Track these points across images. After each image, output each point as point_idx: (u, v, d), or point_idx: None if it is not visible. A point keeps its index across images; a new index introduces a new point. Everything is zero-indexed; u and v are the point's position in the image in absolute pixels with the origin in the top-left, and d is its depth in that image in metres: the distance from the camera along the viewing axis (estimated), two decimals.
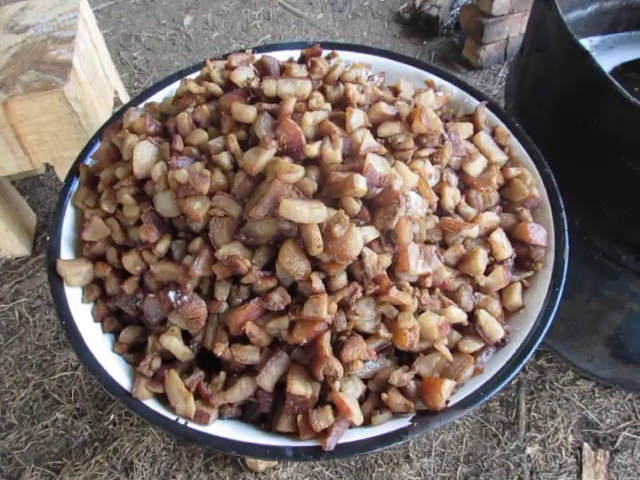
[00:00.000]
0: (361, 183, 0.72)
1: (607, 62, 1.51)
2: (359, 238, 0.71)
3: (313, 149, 0.76)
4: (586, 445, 1.19)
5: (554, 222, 0.87)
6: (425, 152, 0.84)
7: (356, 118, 0.79)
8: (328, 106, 0.82)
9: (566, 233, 0.85)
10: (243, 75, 0.87)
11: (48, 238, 0.84)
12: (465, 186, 0.89)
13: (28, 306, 1.42)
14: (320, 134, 0.79)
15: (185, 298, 0.73)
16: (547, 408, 1.23)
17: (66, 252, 0.84)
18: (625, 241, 1.08)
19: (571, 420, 1.22)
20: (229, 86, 0.88)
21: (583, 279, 1.17)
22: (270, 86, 0.82)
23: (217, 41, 2.10)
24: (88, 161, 0.94)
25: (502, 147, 0.96)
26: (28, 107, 1.23)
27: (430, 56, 2.03)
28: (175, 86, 1.01)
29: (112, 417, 1.22)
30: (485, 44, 1.92)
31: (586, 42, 1.52)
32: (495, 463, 1.16)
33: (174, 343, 0.73)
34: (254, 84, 0.83)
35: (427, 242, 0.81)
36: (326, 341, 0.71)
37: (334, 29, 2.13)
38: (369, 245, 0.73)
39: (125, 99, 1.65)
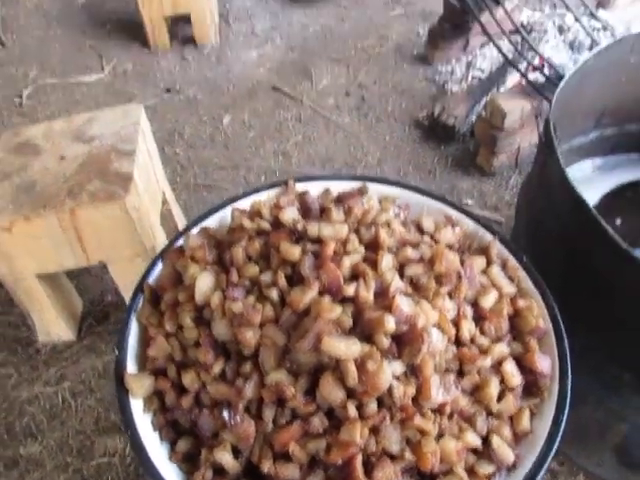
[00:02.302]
0: (391, 323, 0.85)
1: (608, 182, 1.67)
2: (388, 373, 0.83)
3: (350, 290, 0.89)
4: None
5: (558, 352, 0.99)
6: (445, 289, 0.97)
7: (386, 262, 0.93)
8: (362, 249, 0.96)
9: (569, 363, 0.97)
10: (289, 215, 1.01)
11: (116, 351, 0.97)
12: (479, 317, 1.01)
13: (71, 390, 1.53)
14: (355, 274, 0.93)
15: (237, 418, 0.85)
16: None
17: (130, 364, 0.96)
18: (624, 361, 1.19)
19: None
20: (276, 222, 1.03)
21: (588, 392, 1.27)
22: (313, 229, 0.97)
23: (253, 140, 2.29)
24: (151, 279, 1.08)
25: (511, 279, 1.08)
26: (92, 214, 1.39)
27: (447, 161, 2.20)
28: (227, 211, 1.16)
29: None
30: (497, 153, 2.08)
31: (589, 163, 1.69)
32: None
33: (225, 457, 0.85)
34: (299, 226, 0.98)
35: (446, 371, 0.93)
36: (359, 462, 0.82)
37: (359, 132, 2.32)
38: (396, 377, 0.85)
39: (170, 197, 1.81)
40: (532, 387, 0.97)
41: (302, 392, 0.86)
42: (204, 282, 0.95)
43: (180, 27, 2.90)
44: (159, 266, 1.09)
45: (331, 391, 0.83)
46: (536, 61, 2.23)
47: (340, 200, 1.10)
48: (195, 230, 1.13)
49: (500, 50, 2.28)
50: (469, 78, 2.53)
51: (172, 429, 0.93)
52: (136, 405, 0.92)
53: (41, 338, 1.63)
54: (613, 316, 1.13)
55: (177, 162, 2.20)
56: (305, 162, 2.19)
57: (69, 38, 2.92)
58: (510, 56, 2.31)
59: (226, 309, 0.91)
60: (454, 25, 2.53)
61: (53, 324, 1.61)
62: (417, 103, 2.45)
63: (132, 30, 2.90)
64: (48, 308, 1.57)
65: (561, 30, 2.56)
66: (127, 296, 1.56)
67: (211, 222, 1.16)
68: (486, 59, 2.58)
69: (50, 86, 2.61)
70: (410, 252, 0.96)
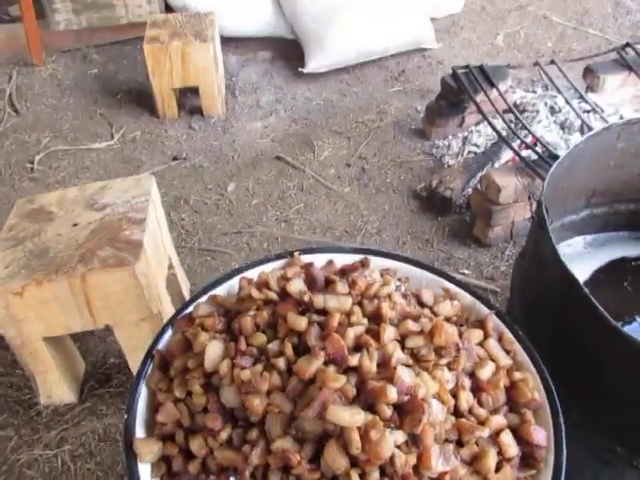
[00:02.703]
0: (392, 393, 0.89)
1: (599, 258, 1.73)
2: (391, 442, 0.86)
3: (354, 360, 0.93)
4: None
5: (553, 424, 1.02)
6: (444, 361, 1.01)
7: (388, 334, 0.98)
8: (365, 320, 1.01)
9: (563, 436, 1.00)
10: (296, 287, 1.07)
11: (125, 416, 1.00)
12: (477, 388, 1.05)
13: (71, 454, 1.54)
14: (359, 345, 0.97)
15: None
16: None
17: (139, 429, 0.99)
18: (616, 434, 1.22)
19: None
20: (284, 293, 1.08)
21: (583, 466, 1.30)
22: (319, 301, 1.02)
23: (256, 207, 2.37)
24: (160, 346, 1.12)
25: (507, 352, 1.13)
26: (102, 279, 1.44)
27: (444, 231, 2.27)
28: (234, 280, 1.21)
29: None
30: (493, 226, 2.16)
31: (581, 240, 1.76)
32: None
33: None
34: (306, 298, 1.03)
35: (446, 440, 0.96)
36: None
37: (359, 202, 2.40)
38: (398, 446, 0.89)
39: (175, 262, 1.87)
40: (528, 458, 1.00)
41: (307, 459, 0.89)
42: (213, 350, 1.00)
43: (188, 98, 3.03)
44: (168, 333, 1.14)
45: (335, 459, 0.87)
46: (529, 139, 2.34)
47: (344, 273, 1.15)
48: (204, 298, 1.19)
49: (494, 128, 2.41)
50: (465, 153, 2.64)
51: None
52: (144, 470, 0.95)
53: (43, 400, 1.64)
54: (603, 389, 1.17)
55: (182, 227, 2.27)
56: (306, 229, 2.26)
57: (81, 106, 3.04)
58: (504, 134, 2.43)
59: (234, 376, 0.95)
60: (450, 103, 2.66)
61: (56, 386, 1.63)
62: (415, 175, 2.55)
63: (142, 100, 3.03)
64: (52, 370, 1.59)
65: (552, 111, 2.69)
66: (131, 359, 1.59)
67: (219, 291, 1.21)
68: (481, 135, 2.70)
69: (61, 152, 2.71)
70: (411, 325, 1.01)
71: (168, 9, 3.43)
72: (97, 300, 1.47)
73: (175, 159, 2.67)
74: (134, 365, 1.56)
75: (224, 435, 0.93)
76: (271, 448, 0.89)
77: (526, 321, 1.41)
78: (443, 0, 3.70)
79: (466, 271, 2.11)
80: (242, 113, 3.00)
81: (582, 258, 1.71)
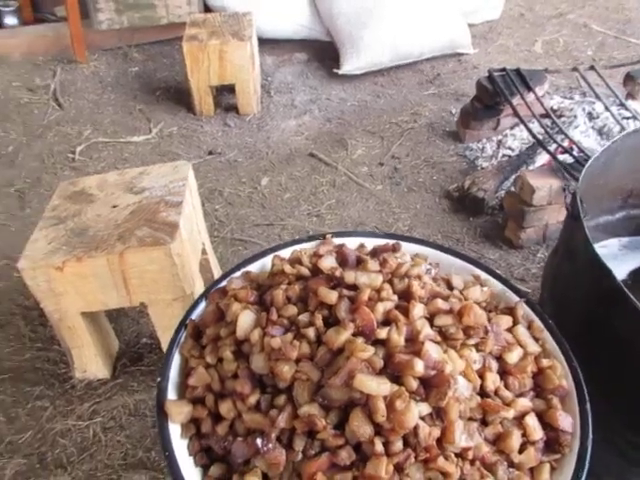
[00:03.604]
0: (419, 366, 0.90)
1: (635, 260, 1.72)
2: (415, 412, 0.88)
3: (382, 333, 0.95)
4: None
5: (580, 412, 1.02)
6: (472, 341, 1.02)
7: (417, 310, 0.99)
8: (395, 297, 1.03)
9: (590, 423, 1.00)
10: (328, 263, 1.09)
11: (158, 379, 1.03)
12: (504, 371, 1.06)
13: (102, 426, 1.58)
14: (388, 320, 0.99)
15: (270, 446, 0.90)
16: None
17: (171, 393, 1.03)
18: None
19: None
20: (316, 270, 1.10)
21: (610, 464, 1.29)
22: (350, 276, 1.04)
23: (288, 201, 2.41)
24: (194, 316, 1.15)
25: (536, 339, 1.13)
26: (139, 258, 1.48)
27: (475, 231, 2.27)
28: (267, 259, 1.24)
29: None
30: (526, 228, 2.15)
31: (616, 241, 1.74)
32: None
33: None
34: (337, 273, 1.05)
35: (470, 419, 0.97)
36: None
37: (391, 200, 2.42)
38: (422, 418, 0.90)
39: (209, 249, 1.91)
40: (554, 443, 1.00)
41: (332, 426, 0.91)
42: (245, 319, 1.03)
43: (224, 96, 3.10)
44: (201, 306, 1.17)
45: (360, 426, 0.88)
46: (565, 144, 2.33)
47: (375, 253, 1.17)
48: (237, 274, 1.22)
49: (531, 132, 2.40)
50: (499, 156, 2.64)
51: (206, 455, 0.98)
52: (174, 430, 0.98)
53: (78, 374, 1.69)
54: (633, 383, 1.16)
55: (216, 218, 2.32)
56: (337, 224, 2.29)
57: (121, 102, 3.13)
58: (540, 137, 2.42)
59: (265, 345, 0.97)
60: (486, 106, 2.66)
61: (90, 362, 1.67)
62: (448, 176, 2.56)
63: (180, 97, 3.11)
64: (88, 346, 1.64)
65: (590, 117, 2.68)
66: (163, 338, 1.63)
67: (252, 268, 1.24)
68: (516, 139, 2.69)
69: (101, 144, 2.80)
70: (440, 303, 1.02)
71: (207, 10, 3.51)
72: (133, 278, 1.52)
73: (210, 153, 2.73)
74: (165, 343, 1.60)
75: (252, 399, 0.95)
76: (298, 413, 0.91)
77: (556, 316, 1.41)
78: (480, 6, 3.71)
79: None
80: (277, 112, 3.05)
81: (616, 260, 1.70)
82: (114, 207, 1.64)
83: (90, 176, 1.83)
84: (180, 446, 0.97)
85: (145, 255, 1.48)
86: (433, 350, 0.94)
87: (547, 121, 2.50)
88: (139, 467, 1.49)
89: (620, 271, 1.63)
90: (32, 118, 2.99)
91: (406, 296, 1.04)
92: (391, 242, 1.24)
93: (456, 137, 2.80)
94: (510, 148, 2.65)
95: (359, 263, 1.11)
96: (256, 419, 0.94)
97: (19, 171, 2.60)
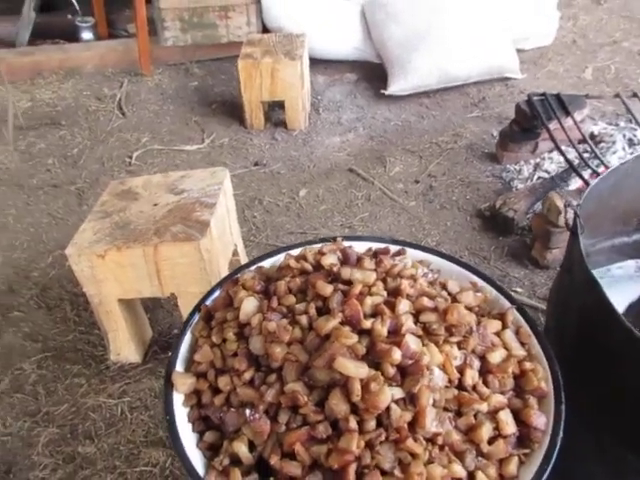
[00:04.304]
0: (397, 354, 0.99)
1: None
2: (388, 395, 0.96)
3: (367, 323, 1.05)
4: None
5: (554, 412, 1.08)
6: (454, 339, 1.10)
7: (403, 306, 1.08)
8: (384, 293, 1.12)
9: (562, 423, 1.05)
10: (329, 260, 1.19)
11: (170, 354, 1.16)
12: (486, 370, 1.13)
13: (129, 405, 1.73)
14: (376, 313, 1.08)
15: (256, 416, 1.00)
16: None
17: (179, 366, 1.15)
18: (628, 442, 1.24)
19: None
20: (318, 266, 1.21)
21: (596, 475, 1.32)
22: (346, 272, 1.14)
23: (323, 212, 2.52)
24: (208, 302, 1.27)
25: (523, 344, 1.19)
26: (172, 251, 1.63)
27: (503, 250, 2.32)
28: (280, 257, 1.36)
29: None
30: (551, 248, 2.19)
31: (632, 263, 1.77)
32: None
33: (242, 449, 1.00)
34: (335, 269, 1.16)
35: (445, 409, 1.04)
36: (352, 470, 0.95)
37: (422, 216, 2.50)
38: (396, 402, 0.98)
39: (241, 251, 2.05)
40: (525, 439, 1.06)
41: (314, 403, 1.00)
42: (249, 305, 1.14)
43: (275, 111, 3.26)
44: (216, 293, 1.29)
45: (338, 404, 0.98)
46: (601, 169, 2.35)
47: (376, 255, 1.27)
48: (252, 267, 1.34)
49: (564, 155, 2.44)
50: (535, 178, 2.67)
51: (203, 423, 1.09)
52: (178, 399, 1.10)
53: (112, 357, 1.85)
54: (620, 395, 1.20)
55: (253, 224, 2.46)
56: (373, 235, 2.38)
57: (179, 113, 3.35)
58: (576, 162, 2.45)
59: (263, 328, 1.08)
60: (524, 129, 2.71)
61: (124, 346, 1.83)
62: (481, 196, 2.61)
63: (233, 111, 3.29)
64: (123, 330, 1.79)
65: (631, 143, 2.69)
66: None
67: (266, 263, 1.36)
68: (553, 162, 2.72)
69: (157, 151, 3.01)
70: (426, 301, 1.11)
71: (265, 30, 3.71)
72: (166, 269, 1.66)
73: (256, 164, 2.88)
74: None
75: (247, 376, 1.06)
76: (284, 389, 1.01)
77: (557, 327, 1.46)
78: (532, 32, 3.75)
79: (519, 289, 2.15)
80: (323, 128, 3.19)
81: (632, 281, 1.72)
82: (155, 205, 1.80)
83: (138, 177, 2.01)
84: (181, 413, 1.09)
85: (177, 249, 1.63)
86: (412, 342, 1.03)
87: (586, 146, 2.53)
88: (158, 445, 1.62)
89: (634, 292, 1.66)
90: (97, 124, 3.24)
91: (396, 294, 1.13)
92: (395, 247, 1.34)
93: (494, 159, 2.85)
94: (547, 171, 2.68)
95: (358, 262, 1.21)
96: (248, 393, 1.05)
97: (81, 172, 2.83)
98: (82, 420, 1.69)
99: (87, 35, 4.11)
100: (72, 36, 4.05)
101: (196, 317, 1.24)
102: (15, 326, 1.99)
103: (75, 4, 4.02)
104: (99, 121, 3.27)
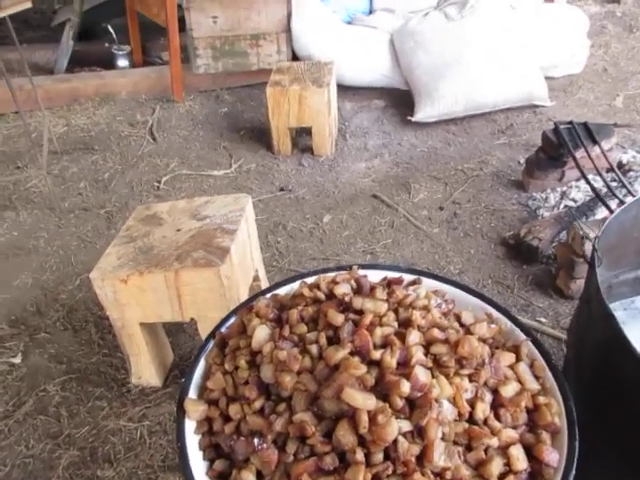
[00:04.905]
0: (405, 386, 0.99)
1: None
2: (395, 427, 0.96)
3: (377, 354, 1.05)
4: None
5: (568, 448, 1.05)
6: (465, 371, 1.09)
7: (413, 337, 1.08)
8: (395, 324, 1.12)
9: (575, 460, 1.03)
10: (341, 289, 1.20)
11: (183, 380, 1.18)
12: (498, 404, 1.11)
13: (149, 429, 1.75)
14: (385, 343, 1.08)
15: (264, 445, 1.01)
16: None
17: (192, 392, 1.16)
18: None
19: None
20: (331, 294, 1.22)
21: None
22: (357, 302, 1.15)
23: (346, 238, 2.54)
24: (223, 329, 1.29)
25: (537, 377, 1.18)
26: (192, 276, 1.66)
27: (527, 279, 2.29)
28: (296, 284, 1.37)
29: None
30: (576, 278, 2.15)
31: None
32: None
33: (250, 478, 1.00)
34: (347, 298, 1.16)
35: (455, 443, 1.03)
36: None
37: (446, 243, 2.49)
38: (404, 435, 0.98)
39: (263, 276, 2.07)
40: (537, 476, 1.04)
41: (322, 434, 1.01)
42: (261, 333, 1.16)
43: (303, 137, 3.31)
44: (231, 320, 1.31)
45: (345, 435, 0.98)
46: (628, 198, 2.32)
47: (389, 284, 1.27)
48: (268, 295, 1.35)
49: (590, 185, 2.41)
50: (561, 207, 2.64)
51: (214, 450, 1.10)
52: (190, 425, 1.11)
53: (134, 380, 1.88)
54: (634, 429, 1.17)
55: (277, 249, 2.48)
56: (390, 263, 2.38)
57: (208, 139, 3.42)
58: (603, 191, 2.42)
59: (273, 356, 1.09)
60: (550, 157, 2.69)
61: (145, 369, 1.86)
62: (506, 224, 2.59)
63: (261, 137, 3.35)
64: (144, 354, 1.82)
65: None
66: None
67: (282, 290, 1.38)
68: (580, 191, 2.69)
69: (185, 176, 3.07)
70: (436, 333, 1.11)
71: (295, 58, 3.78)
72: (186, 294, 1.69)
73: (281, 190, 2.92)
74: None
75: (257, 404, 1.07)
76: (292, 419, 1.02)
77: (576, 358, 1.44)
78: (563, 61, 3.74)
79: (543, 319, 2.12)
80: (349, 154, 3.22)
81: None
82: (178, 230, 1.84)
83: (163, 202, 2.05)
84: (192, 440, 1.10)
85: (197, 274, 1.65)
86: (422, 374, 1.02)
87: (614, 175, 2.50)
88: (175, 470, 1.63)
89: None
90: (129, 149, 3.33)
91: (407, 324, 1.13)
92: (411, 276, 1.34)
93: (520, 186, 2.83)
94: (573, 200, 2.65)
95: (371, 291, 1.22)
96: (257, 422, 1.05)
97: (111, 195, 2.91)
98: (102, 443, 1.71)
99: (123, 62, 4.25)
100: (108, 63, 4.20)
101: (211, 344, 1.26)
102: (42, 347, 2.04)
103: (112, 33, 4.17)
104: (130, 146, 3.37)
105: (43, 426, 1.78)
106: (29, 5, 2.47)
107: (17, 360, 2.01)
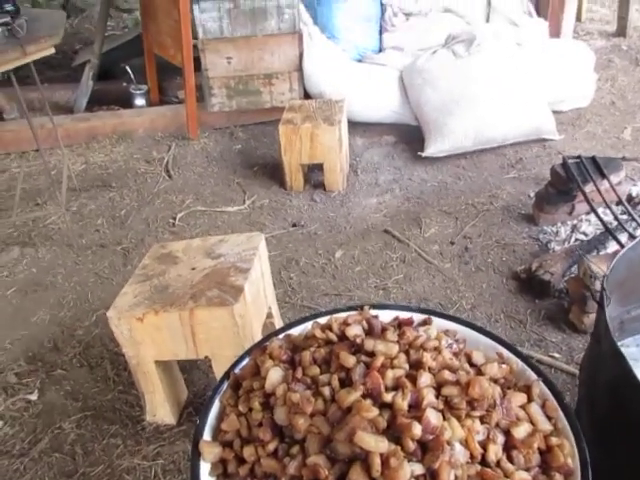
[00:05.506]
0: (417, 429, 1.01)
1: None
2: (407, 470, 0.97)
3: (388, 397, 1.07)
4: None
5: None
6: (476, 413, 1.10)
7: (424, 379, 1.10)
8: (406, 365, 1.14)
9: None
10: (353, 331, 1.22)
11: (197, 421, 1.20)
12: (510, 445, 1.12)
13: (163, 468, 1.76)
14: (397, 386, 1.10)
15: None
16: None
17: (207, 433, 1.18)
18: None
19: None
20: (343, 336, 1.24)
21: None
22: (369, 344, 1.17)
23: (358, 274, 2.56)
24: (237, 369, 1.31)
25: (550, 418, 1.18)
26: (206, 315, 1.69)
27: (539, 314, 2.29)
28: (308, 324, 1.39)
29: None
30: (589, 312, 2.15)
31: None
32: None
33: None
34: (359, 340, 1.19)
35: None
36: None
37: (457, 277, 2.50)
38: (416, 478, 0.99)
39: (276, 313, 2.09)
40: None
41: (335, 477, 1.02)
42: (274, 375, 1.18)
43: (315, 173, 3.36)
44: (245, 361, 1.33)
45: (358, 478, 0.99)
46: (638, 232, 2.33)
47: (400, 325, 1.29)
48: (281, 335, 1.38)
49: (600, 219, 2.43)
50: (572, 240, 2.65)
51: None
52: (204, 467, 1.13)
53: (148, 418, 1.90)
54: None
55: (289, 285, 2.51)
56: (402, 298, 2.40)
57: (222, 175, 3.49)
58: (613, 224, 2.44)
59: (287, 399, 1.11)
60: (559, 191, 2.71)
61: (160, 407, 1.87)
62: (518, 258, 2.60)
63: (274, 173, 3.41)
64: (159, 392, 1.84)
65: None
66: None
67: (295, 331, 1.40)
68: (591, 224, 2.70)
69: (199, 212, 3.13)
70: (447, 374, 1.12)
71: (307, 95, 3.86)
72: (200, 333, 1.72)
73: (294, 225, 2.96)
74: None
75: (271, 447, 1.09)
76: (306, 462, 1.03)
77: (587, 396, 1.44)
78: (570, 95, 3.78)
79: (556, 354, 2.11)
80: (361, 189, 3.26)
81: None
82: (193, 269, 1.88)
83: (179, 241, 2.10)
84: None
85: (211, 313, 1.68)
86: (433, 416, 1.04)
87: (623, 208, 2.51)
88: None
89: None
90: (145, 186, 3.40)
91: (417, 366, 1.15)
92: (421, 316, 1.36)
93: (531, 220, 2.85)
94: (584, 233, 2.66)
95: (383, 332, 1.24)
96: (271, 464, 1.07)
97: (127, 232, 2.97)
98: None
99: (140, 101, 4.35)
100: (126, 102, 4.31)
101: (225, 384, 1.28)
102: (58, 384, 2.07)
103: (130, 73, 4.29)
104: (147, 183, 3.43)
105: (58, 464, 1.79)
106: (52, 51, 2.56)
107: (34, 397, 2.03)
